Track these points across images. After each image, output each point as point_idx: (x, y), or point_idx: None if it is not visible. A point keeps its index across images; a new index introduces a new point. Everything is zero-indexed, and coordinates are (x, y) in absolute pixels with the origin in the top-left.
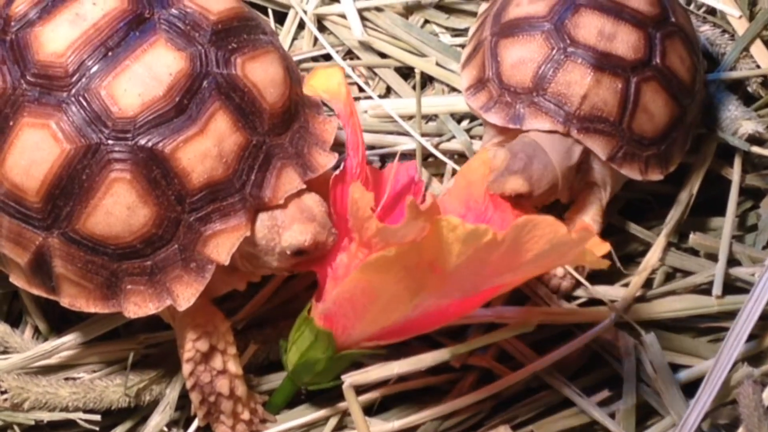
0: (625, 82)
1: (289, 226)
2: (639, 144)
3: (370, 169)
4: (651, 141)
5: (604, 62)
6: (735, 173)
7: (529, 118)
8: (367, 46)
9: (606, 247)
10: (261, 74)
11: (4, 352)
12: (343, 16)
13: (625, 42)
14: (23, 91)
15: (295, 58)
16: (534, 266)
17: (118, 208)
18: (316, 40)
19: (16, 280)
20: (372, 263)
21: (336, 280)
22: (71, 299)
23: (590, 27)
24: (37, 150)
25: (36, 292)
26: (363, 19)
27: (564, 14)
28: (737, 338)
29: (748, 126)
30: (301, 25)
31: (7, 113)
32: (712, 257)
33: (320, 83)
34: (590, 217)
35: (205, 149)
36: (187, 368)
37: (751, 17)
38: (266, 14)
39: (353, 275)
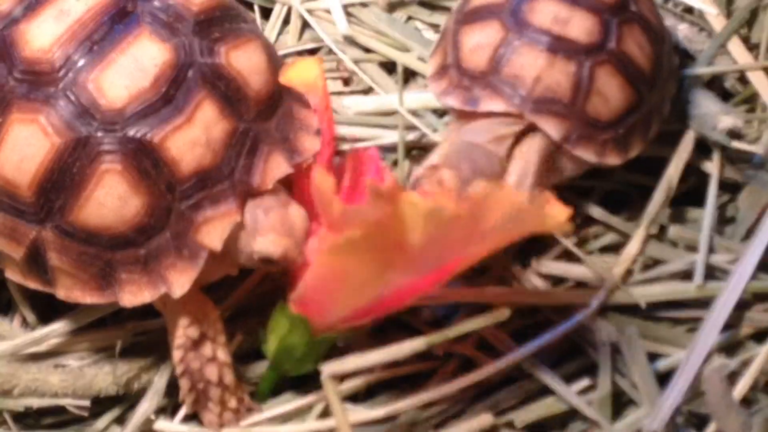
0: (579, 65)
1: (265, 232)
2: (594, 127)
3: (340, 159)
4: (607, 124)
5: (557, 45)
6: (714, 167)
7: (485, 100)
8: (350, 41)
9: (566, 211)
10: (245, 62)
11: None
12: (328, 11)
13: (579, 26)
14: (11, 88)
15: (281, 53)
16: (497, 236)
17: (110, 199)
18: (301, 34)
19: (12, 275)
20: (339, 245)
21: (307, 266)
22: (67, 291)
23: (545, 12)
24: (28, 145)
25: (32, 285)
26: (348, 14)
27: (521, 1)
28: (712, 327)
29: (727, 121)
30: (286, 21)
31: None
32: (692, 249)
33: (297, 75)
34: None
35: (193, 137)
36: (177, 355)
37: (729, 15)
38: (252, 9)
39: (321, 258)
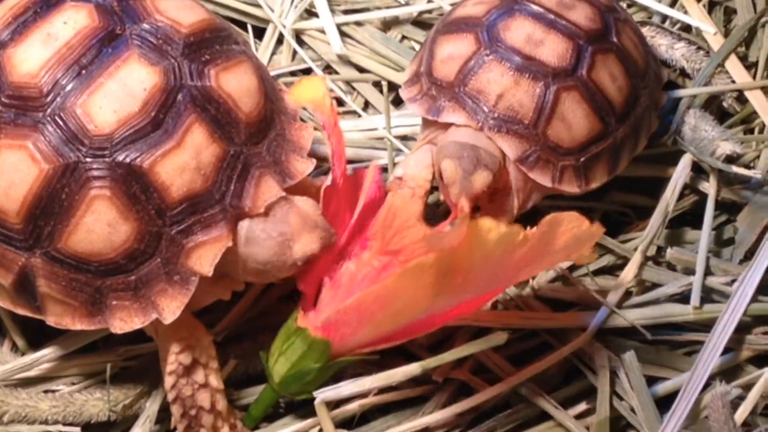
0: (545, 87)
1: (298, 238)
2: (553, 151)
3: (345, 176)
4: (567, 151)
5: (525, 65)
6: (711, 187)
7: (447, 111)
8: (345, 60)
9: (600, 229)
10: (235, 84)
11: None
12: (322, 31)
13: (551, 49)
14: None
15: (273, 73)
16: (552, 260)
17: (99, 225)
18: (294, 54)
19: (1, 301)
20: (410, 271)
21: (338, 289)
22: (57, 318)
23: (520, 31)
24: (16, 171)
25: (21, 312)
26: (341, 33)
27: (499, 17)
28: (712, 351)
29: (726, 147)
30: (280, 40)
31: None
32: (690, 272)
33: (304, 93)
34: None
35: (183, 162)
36: (169, 381)
37: (726, 34)
38: (245, 29)
39: (381, 285)
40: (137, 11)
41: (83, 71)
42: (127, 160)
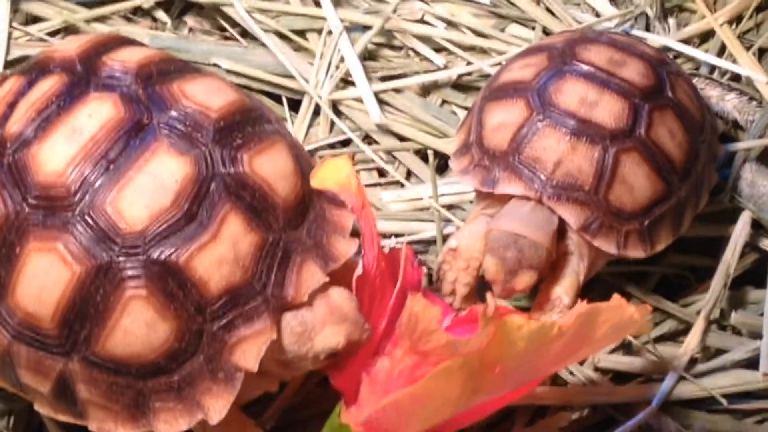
0: (603, 150)
1: (320, 329)
2: (616, 216)
3: (381, 256)
4: (630, 215)
5: (581, 129)
6: None
7: (503, 182)
8: (385, 129)
9: (647, 309)
10: (270, 168)
11: None
12: (360, 100)
13: (606, 110)
14: (26, 216)
15: (311, 146)
16: (595, 346)
17: (137, 326)
18: (332, 126)
19: (41, 408)
20: (439, 373)
21: (375, 385)
22: (99, 423)
23: (573, 93)
24: (47, 275)
25: (63, 418)
26: (380, 101)
27: (549, 80)
28: None
29: None
30: (317, 112)
31: (12, 240)
32: (756, 335)
33: (329, 175)
34: (563, 289)
35: (220, 255)
36: None
37: None
38: (280, 102)
39: (414, 387)
40: (164, 98)
41: (111, 166)
42: (162, 257)
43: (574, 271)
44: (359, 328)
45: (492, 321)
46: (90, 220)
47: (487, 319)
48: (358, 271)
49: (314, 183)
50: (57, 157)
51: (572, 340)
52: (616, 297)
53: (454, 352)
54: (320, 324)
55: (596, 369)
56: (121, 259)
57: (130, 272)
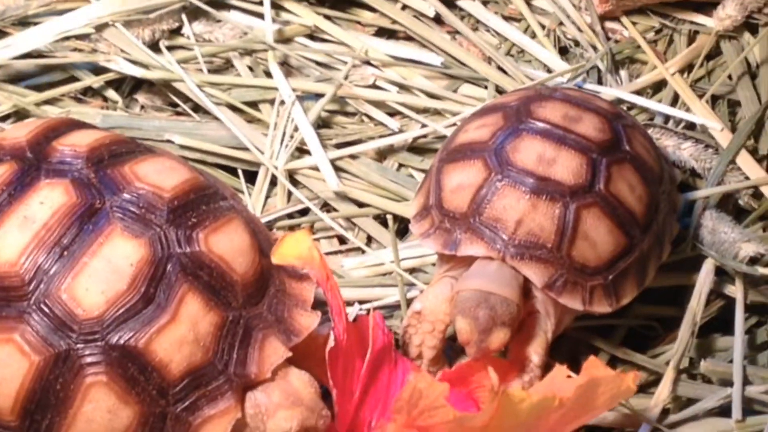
0: (564, 207)
1: (273, 413)
2: (581, 272)
3: (349, 325)
4: (594, 270)
5: (541, 187)
6: (738, 291)
7: (465, 244)
8: (343, 196)
9: (636, 377)
10: (226, 245)
11: None
12: (316, 168)
13: (565, 167)
14: None
15: (269, 217)
16: (586, 419)
17: (99, 413)
18: (290, 195)
19: None
20: None
21: None
22: None
23: (530, 151)
24: (5, 367)
25: None
26: (336, 168)
27: (506, 139)
28: None
29: (748, 248)
30: (274, 182)
31: None
32: (726, 383)
33: (289, 250)
34: (533, 349)
35: (180, 336)
36: None
37: (733, 128)
38: (236, 174)
39: None
40: (116, 181)
41: (65, 252)
42: (121, 341)
43: (542, 329)
44: (315, 414)
45: (495, 397)
46: (46, 309)
47: (492, 396)
48: (330, 342)
49: (275, 259)
50: (10, 246)
51: (572, 410)
52: (593, 359)
53: (459, 427)
54: (274, 407)
55: None
56: (79, 346)
57: (89, 359)
